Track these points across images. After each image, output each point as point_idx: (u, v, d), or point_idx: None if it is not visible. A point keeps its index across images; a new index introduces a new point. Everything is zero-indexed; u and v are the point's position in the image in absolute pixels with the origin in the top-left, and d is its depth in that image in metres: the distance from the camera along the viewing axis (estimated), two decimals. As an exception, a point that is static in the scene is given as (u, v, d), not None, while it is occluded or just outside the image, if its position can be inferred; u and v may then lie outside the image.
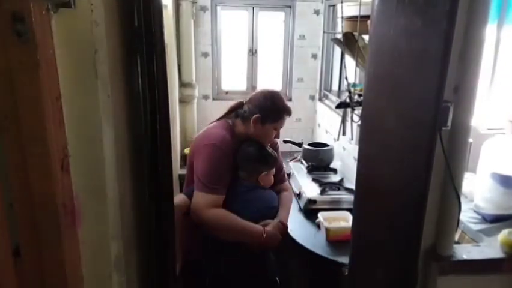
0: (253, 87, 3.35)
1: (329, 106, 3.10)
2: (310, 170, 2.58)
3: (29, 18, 0.78)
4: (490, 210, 1.56)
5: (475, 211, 1.63)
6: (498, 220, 1.54)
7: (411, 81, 1.12)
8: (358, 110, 2.02)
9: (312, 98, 3.46)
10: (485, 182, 1.58)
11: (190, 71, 3.10)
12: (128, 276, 1.43)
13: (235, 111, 1.85)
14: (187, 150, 3.11)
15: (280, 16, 3.31)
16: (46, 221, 0.89)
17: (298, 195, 2.33)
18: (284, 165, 2.05)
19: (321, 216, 2.01)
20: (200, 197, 1.64)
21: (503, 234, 1.25)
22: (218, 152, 1.68)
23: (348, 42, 2.13)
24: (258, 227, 1.68)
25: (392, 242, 1.26)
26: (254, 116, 1.75)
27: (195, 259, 1.80)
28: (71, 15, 0.99)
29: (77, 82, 1.05)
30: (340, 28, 2.29)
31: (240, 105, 1.86)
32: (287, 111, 1.81)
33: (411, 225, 1.14)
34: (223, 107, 1.93)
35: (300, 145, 2.83)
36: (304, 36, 3.31)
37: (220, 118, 1.88)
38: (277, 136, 1.85)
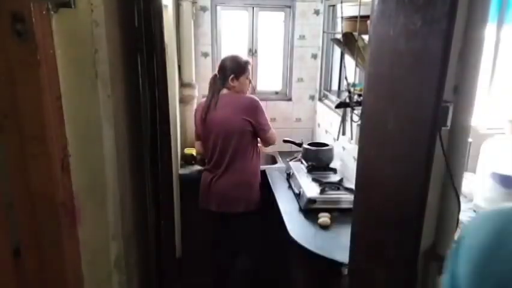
0: (253, 87, 3.35)
1: (328, 106, 3.10)
2: (310, 169, 2.58)
3: (29, 18, 0.78)
4: (489, 210, 1.57)
5: (474, 211, 1.63)
6: (498, 220, 1.54)
7: (410, 81, 1.12)
8: (358, 110, 2.02)
9: (312, 98, 3.46)
10: (485, 182, 1.58)
11: (190, 71, 3.10)
12: (128, 276, 1.43)
13: (214, 84, 2.47)
14: (187, 150, 3.11)
15: (280, 16, 3.31)
16: (46, 221, 0.89)
17: (298, 195, 2.33)
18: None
19: None
20: (272, 133, 2.54)
21: (503, 234, 1.25)
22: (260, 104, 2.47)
23: (348, 42, 2.12)
24: None
25: (391, 242, 1.26)
26: (230, 77, 2.42)
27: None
28: (71, 15, 0.99)
29: (77, 82, 1.05)
30: (340, 28, 2.29)
31: (215, 78, 2.49)
32: (248, 62, 2.51)
33: (411, 225, 1.14)
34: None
35: (300, 145, 2.83)
36: (304, 36, 3.30)
37: (212, 94, 2.46)
38: (251, 82, 2.58)
